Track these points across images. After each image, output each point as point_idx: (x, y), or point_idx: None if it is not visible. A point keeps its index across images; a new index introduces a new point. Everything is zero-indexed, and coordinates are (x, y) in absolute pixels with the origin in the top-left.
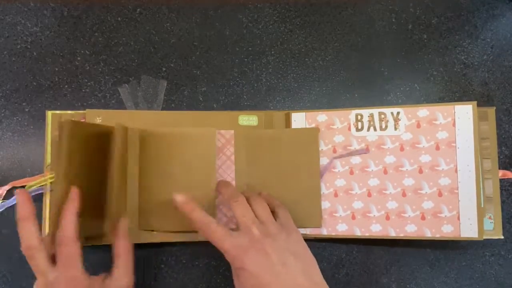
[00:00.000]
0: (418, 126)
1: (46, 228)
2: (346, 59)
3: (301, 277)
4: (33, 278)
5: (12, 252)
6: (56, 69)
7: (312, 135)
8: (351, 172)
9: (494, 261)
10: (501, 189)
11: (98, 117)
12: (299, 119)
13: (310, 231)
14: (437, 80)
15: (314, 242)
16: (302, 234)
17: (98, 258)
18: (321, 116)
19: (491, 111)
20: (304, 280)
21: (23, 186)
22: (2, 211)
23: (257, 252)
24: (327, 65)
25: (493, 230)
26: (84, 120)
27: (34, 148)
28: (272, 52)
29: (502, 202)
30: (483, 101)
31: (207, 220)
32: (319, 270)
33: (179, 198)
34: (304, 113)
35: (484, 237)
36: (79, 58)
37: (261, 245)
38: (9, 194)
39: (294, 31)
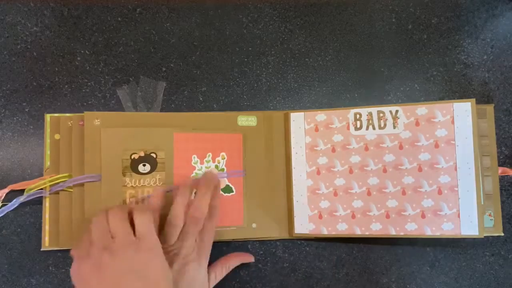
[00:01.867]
0: (417, 124)
1: (46, 233)
2: (346, 59)
3: None
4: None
5: (12, 252)
6: (56, 69)
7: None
8: (351, 171)
9: (494, 261)
10: (501, 189)
11: (96, 119)
12: (298, 119)
13: (309, 231)
14: (437, 80)
15: (314, 242)
16: (301, 234)
17: None
18: (320, 116)
19: (489, 108)
20: None
21: (23, 190)
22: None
23: (91, 266)
24: (327, 65)
25: (493, 227)
26: (82, 123)
27: (34, 149)
28: (272, 52)
29: (502, 202)
30: (483, 101)
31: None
32: None
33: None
34: (302, 113)
35: (484, 234)
36: (79, 58)
37: (98, 260)
38: (11, 196)
39: (294, 31)
